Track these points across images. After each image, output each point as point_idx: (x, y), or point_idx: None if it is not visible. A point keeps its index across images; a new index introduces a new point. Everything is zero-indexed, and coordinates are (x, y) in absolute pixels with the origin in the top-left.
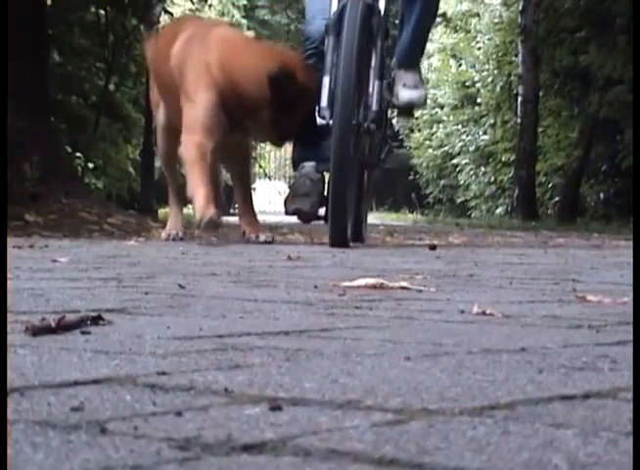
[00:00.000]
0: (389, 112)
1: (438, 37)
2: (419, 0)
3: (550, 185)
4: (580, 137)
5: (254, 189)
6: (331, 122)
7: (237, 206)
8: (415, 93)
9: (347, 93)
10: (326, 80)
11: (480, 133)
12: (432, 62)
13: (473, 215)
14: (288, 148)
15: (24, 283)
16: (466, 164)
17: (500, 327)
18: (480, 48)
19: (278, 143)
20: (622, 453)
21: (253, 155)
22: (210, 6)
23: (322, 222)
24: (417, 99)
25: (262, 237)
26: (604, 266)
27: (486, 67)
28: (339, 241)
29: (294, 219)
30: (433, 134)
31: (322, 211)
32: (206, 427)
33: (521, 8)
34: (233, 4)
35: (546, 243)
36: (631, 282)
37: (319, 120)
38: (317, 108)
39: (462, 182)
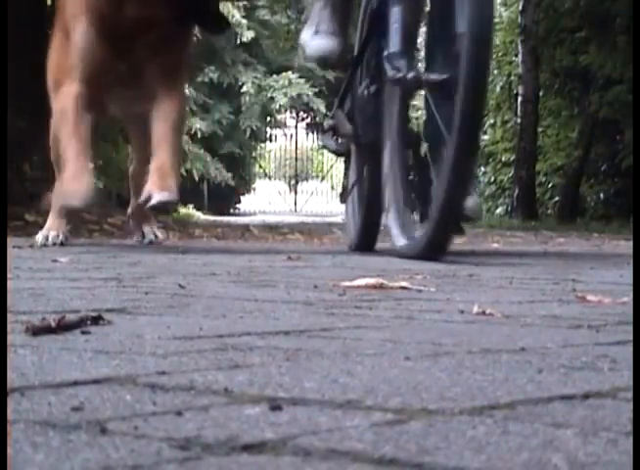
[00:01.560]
0: None
1: None
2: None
3: (550, 185)
4: (580, 137)
5: (254, 189)
6: (409, 77)
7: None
8: (469, 200)
9: (487, 48)
10: (396, 13)
11: (480, 133)
12: None
13: None
14: (289, 147)
15: (24, 283)
16: None
17: (500, 327)
18: None
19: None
20: (622, 453)
21: (253, 155)
22: None
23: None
24: (472, 206)
25: (160, 196)
26: (604, 266)
27: None
28: (440, 250)
29: (294, 220)
30: None
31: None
32: (206, 427)
33: (521, 8)
34: (233, 4)
35: (546, 243)
36: (631, 282)
37: (390, 73)
38: (384, 56)
39: None
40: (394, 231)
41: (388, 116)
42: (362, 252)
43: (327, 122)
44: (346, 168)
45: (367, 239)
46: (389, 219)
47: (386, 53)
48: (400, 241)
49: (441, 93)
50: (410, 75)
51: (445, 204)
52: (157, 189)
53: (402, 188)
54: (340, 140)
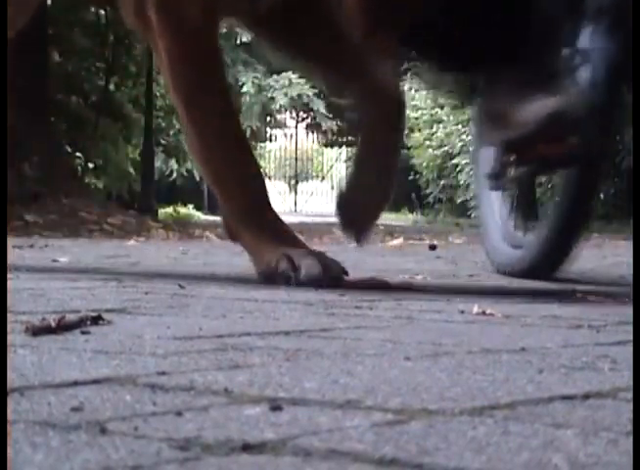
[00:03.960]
0: None
1: None
2: None
3: (550, 185)
4: None
5: None
6: None
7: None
8: None
9: None
10: None
11: None
12: None
13: (473, 215)
14: (289, 147)
15: (24, 283)
16: (466, 163)
17: (500, 327)
18: None
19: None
20: (622, 453)
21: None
22: None
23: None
24: None
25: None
26: (604, 266)
27: None
28: None
29: (294, 220)
30: (433, 134)
31: None
32: (206, 427)
33: None
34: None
35: None
36: (631, 282)
37: None
38: None
39: (462, 182)
40: None
41: None
42: (535, 279)
43: None
44: None
45: (551, 263)
46: None
47: None
48: None
49: None
50: None
51: None
52: None
53: None
54: None
